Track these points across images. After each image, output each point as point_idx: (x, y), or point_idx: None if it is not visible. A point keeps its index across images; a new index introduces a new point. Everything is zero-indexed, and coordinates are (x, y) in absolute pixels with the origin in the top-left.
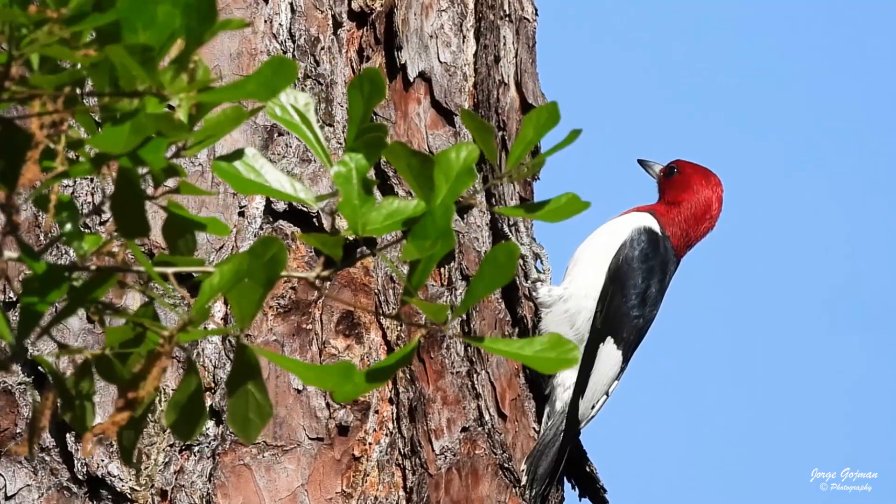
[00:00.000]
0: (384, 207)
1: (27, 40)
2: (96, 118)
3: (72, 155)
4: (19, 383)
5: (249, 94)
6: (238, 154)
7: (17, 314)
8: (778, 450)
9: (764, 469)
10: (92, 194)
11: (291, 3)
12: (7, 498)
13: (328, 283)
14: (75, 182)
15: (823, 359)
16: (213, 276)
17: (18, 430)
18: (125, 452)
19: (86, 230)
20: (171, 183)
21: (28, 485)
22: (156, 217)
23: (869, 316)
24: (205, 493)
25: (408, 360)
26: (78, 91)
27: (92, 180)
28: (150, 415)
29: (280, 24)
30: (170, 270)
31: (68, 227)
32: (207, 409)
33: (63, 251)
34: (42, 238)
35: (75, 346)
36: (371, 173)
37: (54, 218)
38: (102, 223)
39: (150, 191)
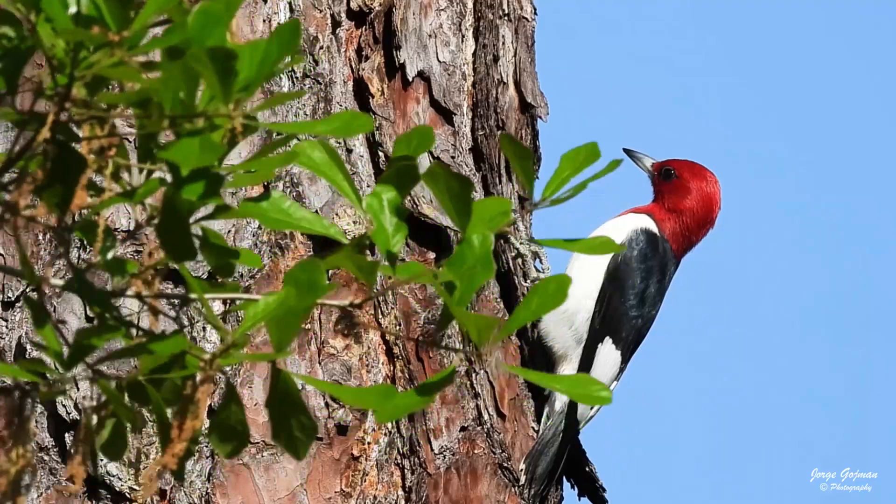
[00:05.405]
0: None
1: (87, 62)
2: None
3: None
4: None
5: (323, 131)
6: (265, 196)
7: (15, 313)
8: (778, 450)
9: (764, 469)
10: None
11: (290, 3)
12: None
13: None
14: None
15: (823, 359)
16: (258, 304)
17: None
18: (178, 476)
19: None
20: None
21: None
22: None
23: (869, 316)
24: (204, 493)
25: (449, 381)
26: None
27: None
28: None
29: (279, 23)
30: (209, 296)
31: (109, 254)
32: (249, 429)
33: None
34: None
35: (109, 373)
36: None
37: (100, 245)
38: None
39: None
